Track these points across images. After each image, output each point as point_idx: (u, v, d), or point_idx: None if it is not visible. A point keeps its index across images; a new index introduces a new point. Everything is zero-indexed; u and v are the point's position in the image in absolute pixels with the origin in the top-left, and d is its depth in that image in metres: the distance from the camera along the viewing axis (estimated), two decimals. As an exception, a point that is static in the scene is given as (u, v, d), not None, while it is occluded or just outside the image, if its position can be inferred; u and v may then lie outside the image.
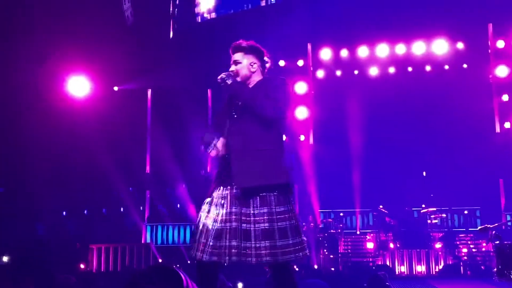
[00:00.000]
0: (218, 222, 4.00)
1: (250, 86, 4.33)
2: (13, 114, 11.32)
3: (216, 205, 4.07)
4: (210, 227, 4.00)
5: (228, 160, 4.15)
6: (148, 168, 13.82)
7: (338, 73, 13.91)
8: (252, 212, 4.00)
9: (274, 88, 4.22)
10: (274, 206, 4.03)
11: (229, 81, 4.20)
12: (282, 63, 13.94)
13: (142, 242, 12.72)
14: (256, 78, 4.37)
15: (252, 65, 4.39)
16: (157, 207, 13.31)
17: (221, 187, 4.13)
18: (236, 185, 4.04)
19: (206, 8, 13.29)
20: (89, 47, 11.55)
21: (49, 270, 7.99)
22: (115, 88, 13.44)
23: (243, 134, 4.14)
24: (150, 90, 14.04)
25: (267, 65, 4.54)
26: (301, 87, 13.87)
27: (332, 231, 11.86)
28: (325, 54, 13.75)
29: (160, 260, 11.12)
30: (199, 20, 13.12)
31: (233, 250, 3.92)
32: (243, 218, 3.99)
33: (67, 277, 7.64)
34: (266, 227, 3.96)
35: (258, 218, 3.98)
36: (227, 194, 4.07)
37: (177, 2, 13.41)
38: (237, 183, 4.04)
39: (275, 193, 4.05)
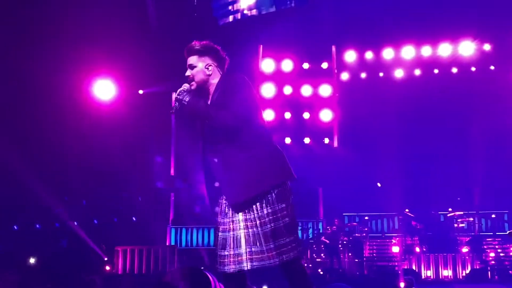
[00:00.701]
0: (223, 232, 4.06)
1: (211, 89, 4.24)
2: (39, 118, 11.44)
3: (222, 214, 4.11)
4: (219, 237, 4.07)
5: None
6: (172, 171, 13.87)
7: (363, 75, 13.81)
8: (244, 217, 3.99)
9: (231, 91, 4.08)
10: (266, 207, 3.99)
11: (186, 100, 4.09)
12: (306, 65, 13.90)
13: (167, 244, 12.77)
14: (215, 80, 4.25)
15: (207, 68, 4.25)
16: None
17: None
18: (228, 202, 4.06)
19: (246, 4, 13.13)
20: (114, 51, 11.63)
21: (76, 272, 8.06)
22: (140, 92, 13.52)
23: (217, 150, 4.09)
24: (174, 93, 14.11)
25: (225, 62, 4.37)
26: (325, 90, 13.82)
27: (357, 234, 11.77)
28: (350, 56, 13.68)
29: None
30: (239, 17, 12.96)
31: (234, 259, 3.95)
32: (238, 224, 4.00)
33: (93, 279, 7.71)
34: (264, 230, 3.94)
35: (250, 223, 3.97)
36: (226, 203, 4.11)
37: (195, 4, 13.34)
38: (228, 201, 4.05)
39: (268, 195, 4.01)
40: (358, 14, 12.59)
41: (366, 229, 12.01)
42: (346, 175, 13.14)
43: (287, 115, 13.92)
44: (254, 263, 3.89)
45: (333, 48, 13.91)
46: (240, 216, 3.99)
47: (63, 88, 11.54)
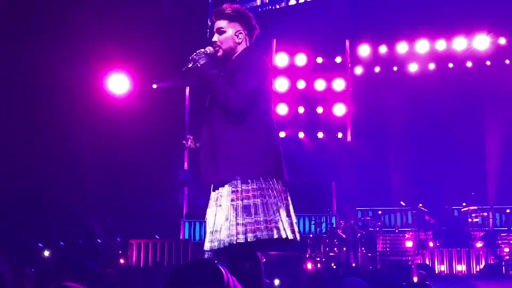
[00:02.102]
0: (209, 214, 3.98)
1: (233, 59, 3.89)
2: (53, 113, 11.52)
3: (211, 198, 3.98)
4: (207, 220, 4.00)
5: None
6: (186, 165, 13.93)
7: (377, 69, 13.76)
8: (218, 196, 3.84)
9: (245, 69, 3.74)
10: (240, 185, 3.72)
11: (200, 62, 3.75)
12: (319, 60, 13.87)
13: (181, 238, 12.84)
14: (241, 49, 3.90)
15: (237, 35, 3.88)
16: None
17: None
18: (204, 181, 3.87)
19: None
20: (128, 45, 11.68)
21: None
22: (154, 86, 13.56)
23: (211, 126, 3.82)
24: (188, 88, 14.14)
25: (255, 32, 3.99)
26: (339, 84, 13.79)
27: (370, 229, 11.76)
28: (364, 50, 13.62)
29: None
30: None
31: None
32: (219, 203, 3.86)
33: (109, 272, 7.78)
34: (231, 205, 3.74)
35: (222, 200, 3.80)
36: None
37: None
38: (204, 180, 3.88)
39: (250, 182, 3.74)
40: (372, 8, 12.55)
41: (379, 223, 12.00)
42: (360, 169, 13.13)
43: (301, 109, 13.91)
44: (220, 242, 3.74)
45: (347, 42, 13.85)
46: (224, 197, 3.80)
47: (77, 83, 11.61)
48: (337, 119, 13.81)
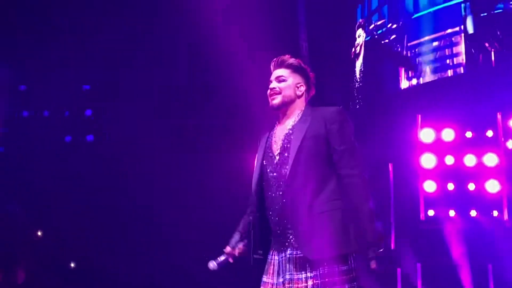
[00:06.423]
0: None
1: (291, 115, 3.60)
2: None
3: (271, 275, 3.59)
4: None
5: (280, 224, 3.55)
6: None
7: (533, 141, 12.93)
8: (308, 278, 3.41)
9: (344, 131, 3.51)
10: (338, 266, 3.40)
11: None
12: (469, 134, 13.35)
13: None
14: (300, 105, 3.66)
15: (298, 87, 3.69)
16: None
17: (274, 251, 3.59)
18: (307, 256, 3.41)
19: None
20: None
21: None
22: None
23: (299, 200, 3.50)
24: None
25: (311, 92, 3.84)
26: (491, 159, 13.09)
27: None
28: (517, 122, 12.92)
29: None
30: (462, 71, 12.47)
31: None
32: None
33: None
34: None
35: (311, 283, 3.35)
36: (281, 259, 3.52)
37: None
38: (307, 254, 3.42)
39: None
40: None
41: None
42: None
43: (450, 186, 13.34)
44: None
45: (499, 115, 13.23)
46: (303, 275, 3.43)
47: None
48: (491, 196, 13.01)
